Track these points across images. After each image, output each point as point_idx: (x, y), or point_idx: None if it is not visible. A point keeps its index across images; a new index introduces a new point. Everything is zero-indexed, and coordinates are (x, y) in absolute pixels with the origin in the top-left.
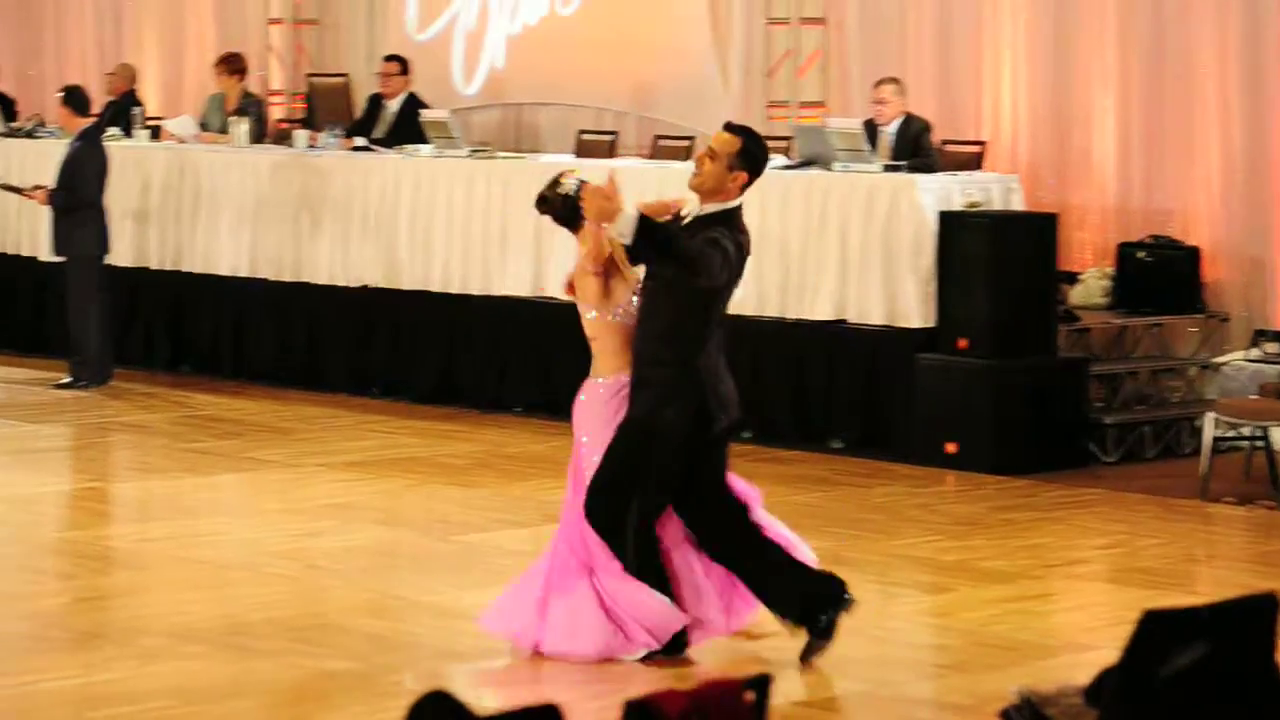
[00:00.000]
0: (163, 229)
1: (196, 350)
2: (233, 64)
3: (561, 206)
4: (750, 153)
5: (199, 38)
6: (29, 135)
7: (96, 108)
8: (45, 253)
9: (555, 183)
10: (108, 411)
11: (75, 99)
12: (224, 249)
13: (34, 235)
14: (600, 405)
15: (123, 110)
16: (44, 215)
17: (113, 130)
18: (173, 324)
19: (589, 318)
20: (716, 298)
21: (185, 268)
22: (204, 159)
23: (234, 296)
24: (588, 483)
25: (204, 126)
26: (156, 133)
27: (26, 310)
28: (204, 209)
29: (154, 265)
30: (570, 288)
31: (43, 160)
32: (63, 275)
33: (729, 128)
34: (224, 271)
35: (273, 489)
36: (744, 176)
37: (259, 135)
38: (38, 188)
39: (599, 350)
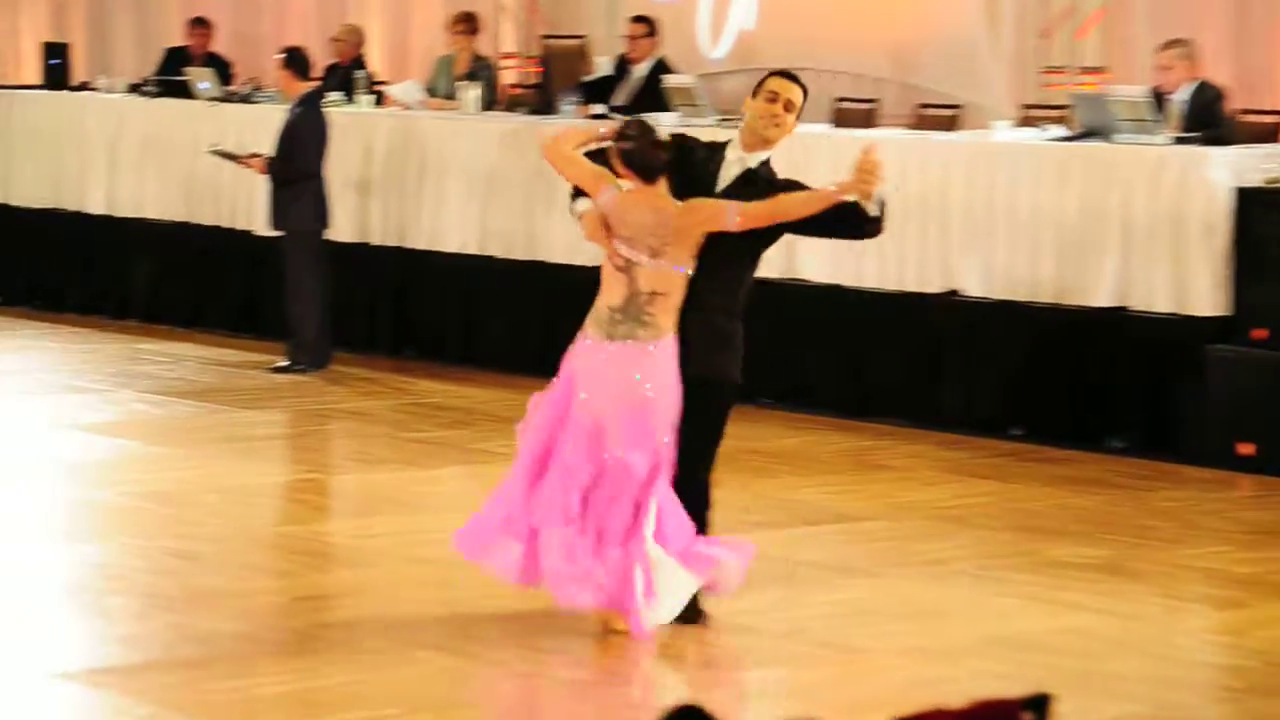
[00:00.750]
0: (385, 202)
1: (421, 332)
2: (470, 23)
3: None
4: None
5: None
6: (245, 99)
7: (317, 71)
8: (261, 226)
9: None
10: (326, 398)
11: (296, 61)
12: (451, 224)
13: (249, 207)
14: (671, 363)
15: (346, 75)
16: (260, 186)
17: (334, 96)
18: (396, 304)
19: (677, 271)
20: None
21: (409, 244)
22: (431, 127)
23: (462, 275)
24: (658, 439)
25: (431, 92)
26: (380, 99)
27: (240, 288)
28: (430, 181)
29: (376, 241)
30: (656, 247)
31: (260, 126)
32: (279, 251)
33: (786, 75)
34: (451, 248)
35: (460, 490)
36: None
37: (489, 101)
38: (254, 156)
39: (670, 306)
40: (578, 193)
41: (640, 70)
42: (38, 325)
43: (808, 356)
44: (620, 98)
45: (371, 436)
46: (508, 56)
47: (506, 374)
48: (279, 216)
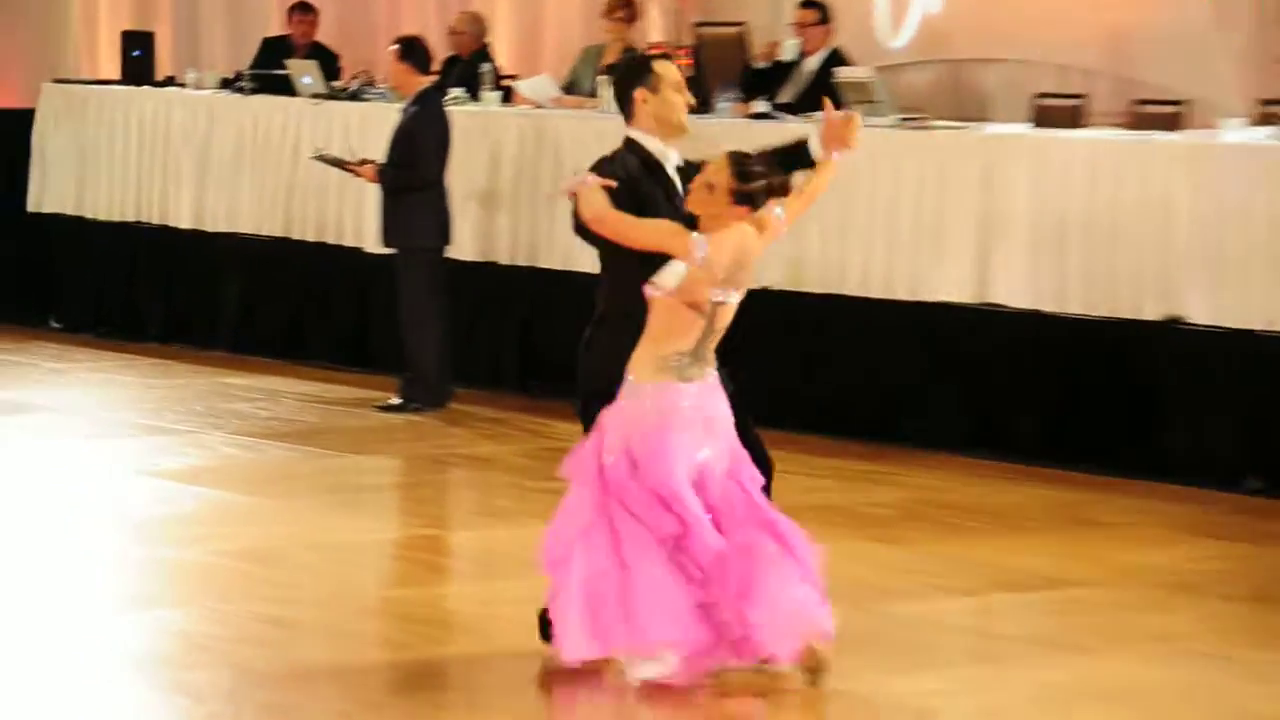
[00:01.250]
0: (515, 216)
1: (551, 365)
2: (630, 9)
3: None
4: None
5: None
6: (354, 97)
7: (435, 65)
8: (372, 243)
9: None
10: (445, 441)
11: (414, 53)
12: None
13: (358, 221)
14: None
15: (469, 68)
16: (371, 197)
17: (456, 92)
18: (524, 333)
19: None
20: None
21: (542, 264)
22: (565, 128)
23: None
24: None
25: (570, 88)
26: (508, 95)
27: (347, 314)
28: None
29: (504, 260)
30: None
31: (370, 128)
32: (392, 271)
33: (665, 56)
34: (589, 269)
35: None
36: None
37: None
38: (365, 162)
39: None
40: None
41: (811, 63)
42: (112, 356)
43: (1000, 395)
44: (787, 94)
45: (496, 486)
46: (655, 47)
47: None
48: (392, 232)
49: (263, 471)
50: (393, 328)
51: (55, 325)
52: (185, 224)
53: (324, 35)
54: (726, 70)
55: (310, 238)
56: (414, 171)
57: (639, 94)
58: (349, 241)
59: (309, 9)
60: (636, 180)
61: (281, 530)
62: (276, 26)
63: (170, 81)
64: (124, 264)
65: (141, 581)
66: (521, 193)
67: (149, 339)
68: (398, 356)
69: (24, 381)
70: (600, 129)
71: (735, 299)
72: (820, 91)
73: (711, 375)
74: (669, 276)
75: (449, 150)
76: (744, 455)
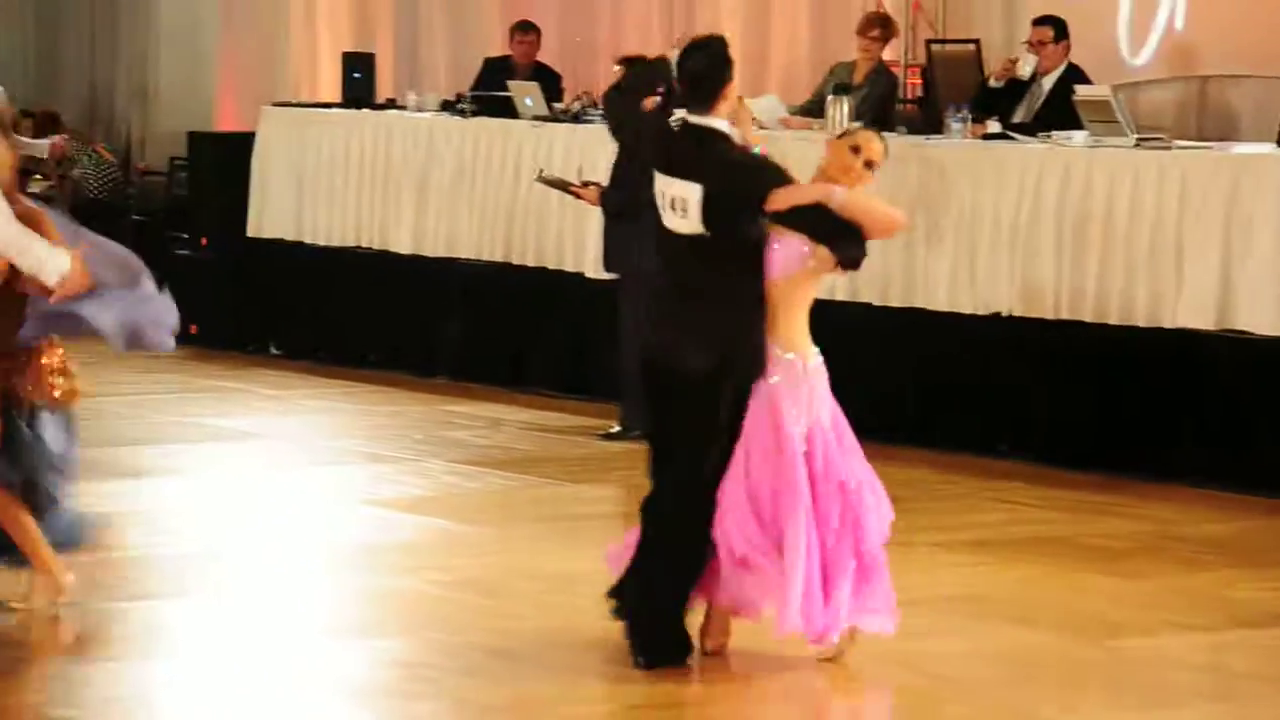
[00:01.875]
0: None
1: None
2: (886, 29)
3: None
4: None
5: None
6: (576, 118)
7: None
8: (594, 268)
9: None
10: None
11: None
12: None
13: (580, 246)
14: None
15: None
16: (594, 220)
17: (680, 113)
18: None
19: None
20: None
21: None
22: (793, 150)
23: (829, 324)
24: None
25: (812, 105)
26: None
27: (568, 341)
28: None
29: None
30: None
31: (593, 150)
32: (615, 297)
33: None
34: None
35: None
36: None
37: (886, 122)
38: (588, 185)
39: None
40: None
41: (1046, 81)
42: (331, 383)
43: (1241, 425)
44: (1020, 113)
45: None
46: (888, 65)
47: (876, 443)
48: (614, 256)
49: (483, 500)
50: (613, 354)
51: (275, 351)
52: (405, 249)
53: (547, 55)
54: (960, 89)
55: (531, 263)
56: (637, 195)
57: (730, 87)
58: (570, 266)
59: (531, 28)
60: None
61: (501, 560)
62: (498, 47)
63: (391, 104)
64: (344, 289)
65: (361, 610)
66: None
67: (369, 365)
68: (618, 383)
69: (244, 409)
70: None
71: None
72: (1056, 110)
73: None
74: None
75: None
76: None
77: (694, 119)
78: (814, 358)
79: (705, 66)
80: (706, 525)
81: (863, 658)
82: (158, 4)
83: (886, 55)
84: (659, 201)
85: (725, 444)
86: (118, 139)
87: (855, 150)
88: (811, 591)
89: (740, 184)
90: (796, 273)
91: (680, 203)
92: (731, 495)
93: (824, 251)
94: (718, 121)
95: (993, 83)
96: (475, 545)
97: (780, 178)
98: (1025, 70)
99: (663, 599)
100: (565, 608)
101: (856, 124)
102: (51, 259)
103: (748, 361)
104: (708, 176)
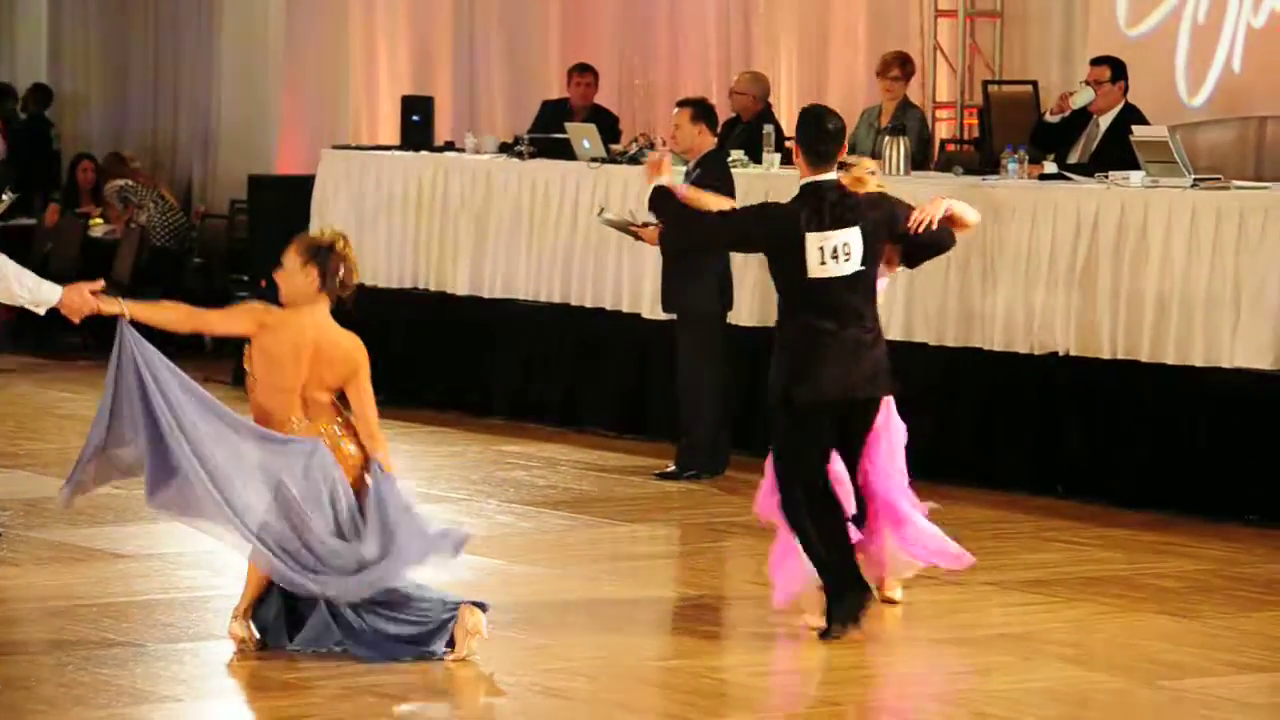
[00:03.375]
0: None
1: None
2: (906, 67)
3: None
4: None
5: (847, 34)
6: (633, 160)
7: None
8: (651, 308)
9: None
10: (722, 509)
11: (705, 114)
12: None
13: (637, 286)
14: None
15: (751, 130)
16: (651, 262)
17: (737, 154)
18: None
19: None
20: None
21: None
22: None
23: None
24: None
25: (851, 150)
26: (790, 158)
27: (624, 381)
28: None
29: None
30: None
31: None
32: (672, 337)
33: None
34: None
35: (930, 612)
36: None
37: (921, 159)
38: (648, 225)
39: None
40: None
41: (1103, 121)
42: (388, 424)
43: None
44: (1078, 153)
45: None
46: (943, 106)
47: (934, 483)
48: (673, 297)
49: (539, 540)
50: (670, 394)
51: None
52: (462, 290)
53: (603, 97)
54: (1016, 130)
55: (589, 304)
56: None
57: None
58: (627, 307)
59: (588, 70)
60: None
61: (556, 600)
62: (556, 89)
63: (449, 146)
64: (401, 330)
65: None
66: None
67: (426, 406)
68: (675, 423)
69: None
70: None
71: None
72: (1113, 150)
73: None
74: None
75: None
76: None
77: (825, 176)
78: None
79: (837, 131)
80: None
81: (914, 695)
82: (220, 48)
83: (943, 96)
84: (810, 258)
85: None
86: (180, 183)
87: (848, 171)
88: None
89: (885, 218)
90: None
91: (844, 248)
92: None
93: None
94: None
95: (1049, 117)
96: (531, 585)
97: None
98: (1079, 101)
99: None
100: (621, 647)
101: (853, 157)
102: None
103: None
104: (861, 220)
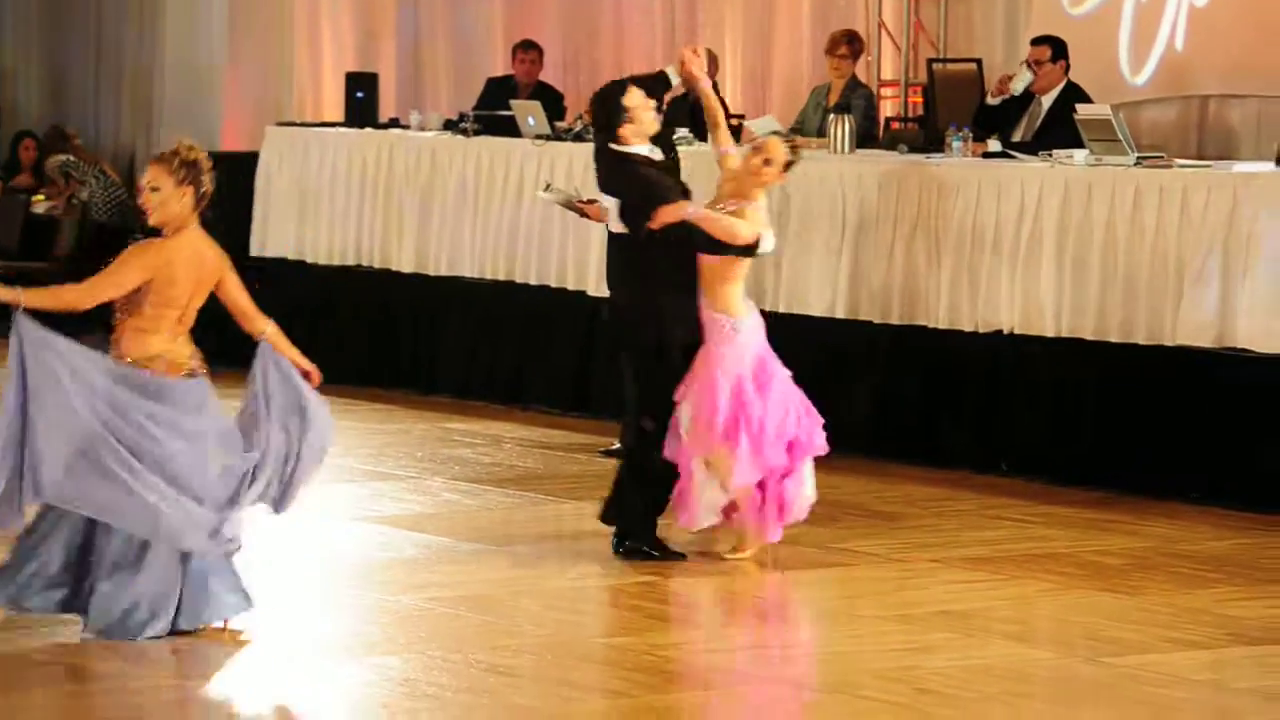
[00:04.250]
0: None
1: None
2: (854, 45)
3: None
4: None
5: (791, 12)
6: (578, 138)
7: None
8: (596, 286)
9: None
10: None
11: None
12: (813, 282)
13: (582, 263)
14: None
15: (694, 108)
16: (596, 239)
17: (682, 133)
18: None
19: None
20: None
21: (768, 306)
22: (794, 168)
23: (828, 340)
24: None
25: (798, 128)
26: (736, 135)
27: (570, 358)
28: (796, 232)
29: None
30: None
31: (592, 169)
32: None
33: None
34: (816, 311)
35: (872, 590)
36: None
37: (864, 138)
38: (592, 201)
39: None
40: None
41: (1045, 100)
42: (332, 400)
43: (1242, 442)
44: (1021, 132)
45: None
46: (887, 84)
47: (876, 460)
48: (619, 274)
49: (484, 517)
50: (615, 371)
51: None
52: (408, 267)
53: (549, 75)
54: (961, 108)
55: (534, 281)
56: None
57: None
58: (572, 285)
59: (533, 48)
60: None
61: (502, 577)
62: (501, 66)
63: (394, 123)
64: (346, 308)
65: (362, 627)
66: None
67: (371, 383)
68: (619, 401)
69: None
70: (825, 170)
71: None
72: (1057, 128)
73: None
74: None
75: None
76: None
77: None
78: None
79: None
80: None
81: (856, 671)
82: (163, 25)
83: (888, 74)
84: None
85: None
86: (122, 159)
87: (759, 153)
88: None
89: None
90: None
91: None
92: None
93: None
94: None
95: (990, 100)
96: (476, 562)
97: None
98: (1018, 86)
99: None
100: (566, 624)
101: (773, 134)
102: None
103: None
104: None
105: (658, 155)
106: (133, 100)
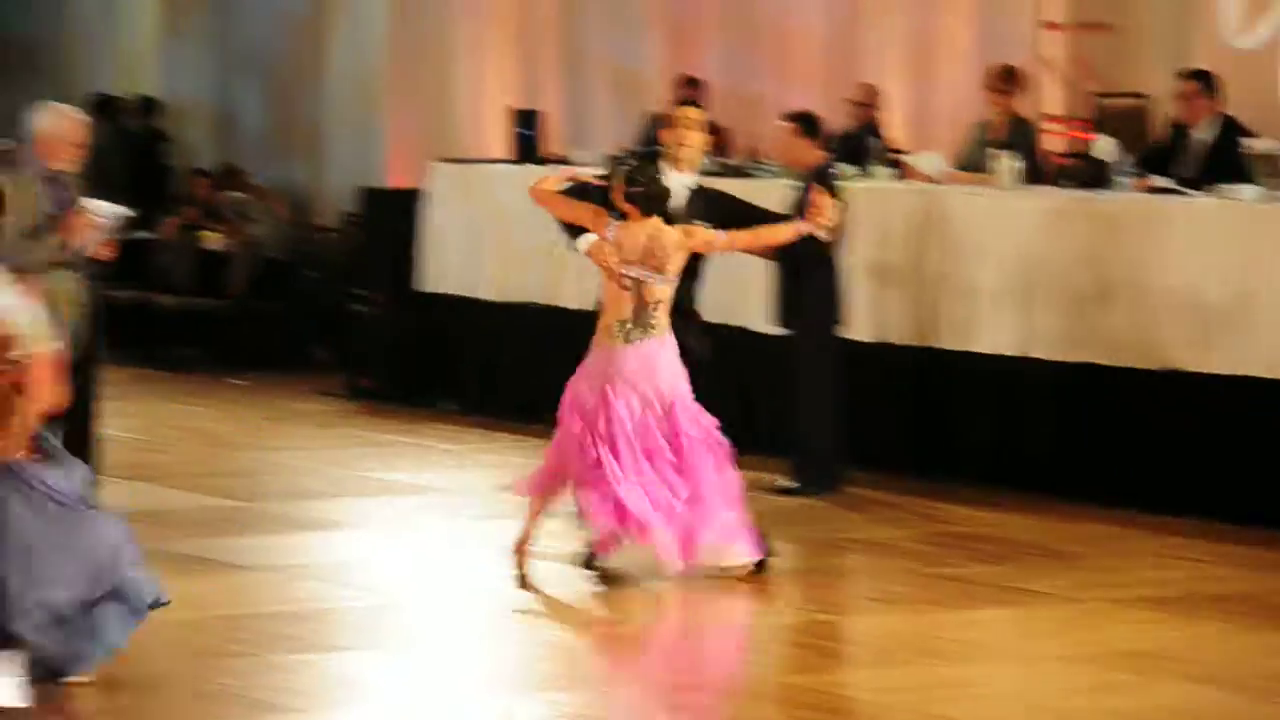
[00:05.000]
0: (903, 294)
1: (950, 450)
2: (1012, 81)
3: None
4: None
5: (952, 47)
6: (739, 172)
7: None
8: (762, 322)
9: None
10: (838, 525)
11: (812, 128)
12: (983, 321)
13: (747, 300)
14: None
15: (858, 143)
16: (762, 275)
17: (845, 167)
18: (919, 415)
19: (665, 285)
20: None
21: (933, 343)
22: (958, 204)
23: (999, 382)
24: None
25: (962, 164)
26: (899, 170)
27: (737, 395)
28: (957, 269)
29: (895, 340)
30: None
31: (758, 203)
32: (785, 350)
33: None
34: (983, 349)
35: (1048, 630)
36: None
37: (1031, 174)
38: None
39: (667, 310)
40: (574, 232)
41: (1200, 134)
42: (502, 437)
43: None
44: (1184, 168)
45: (891, 571)
46: (1053, 119)
47: (1053, 499)
48: (786, 310)
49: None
50: (781, 409)
51: (448, 406)
52: (572, 304)
53: (711, 109)
54: (1127, 144)
55: (713, 319)
56: (808, 248)
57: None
58: (738, 321)
59: (696, 84)
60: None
61: (675, 614)
62: (663, 102)
63: (557, 159)
64: (515, 344)
65: (534, 663)
66: (909, 271)
67: (539, 419)
68: (788, 438)
69: (419, 463)
70: (990, 206)
71: (659, 281)
72: (1221, 163)
73: (660, 339)
74: (582, 241)
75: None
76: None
77: None
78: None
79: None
80: None
81: (1033, 711)
82: (329, 62)
83: (1053, 109)
84: None
85: None
86: (288, 196)
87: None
88: None
89: None
90: None
91: None
92: None
93: None
94: None
95: (1158, 141)
96: (647, 599)
97: None
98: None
99: None
100: (739, 662)
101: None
102: None
103: None
104: None
105: None
106: (301, 138)
